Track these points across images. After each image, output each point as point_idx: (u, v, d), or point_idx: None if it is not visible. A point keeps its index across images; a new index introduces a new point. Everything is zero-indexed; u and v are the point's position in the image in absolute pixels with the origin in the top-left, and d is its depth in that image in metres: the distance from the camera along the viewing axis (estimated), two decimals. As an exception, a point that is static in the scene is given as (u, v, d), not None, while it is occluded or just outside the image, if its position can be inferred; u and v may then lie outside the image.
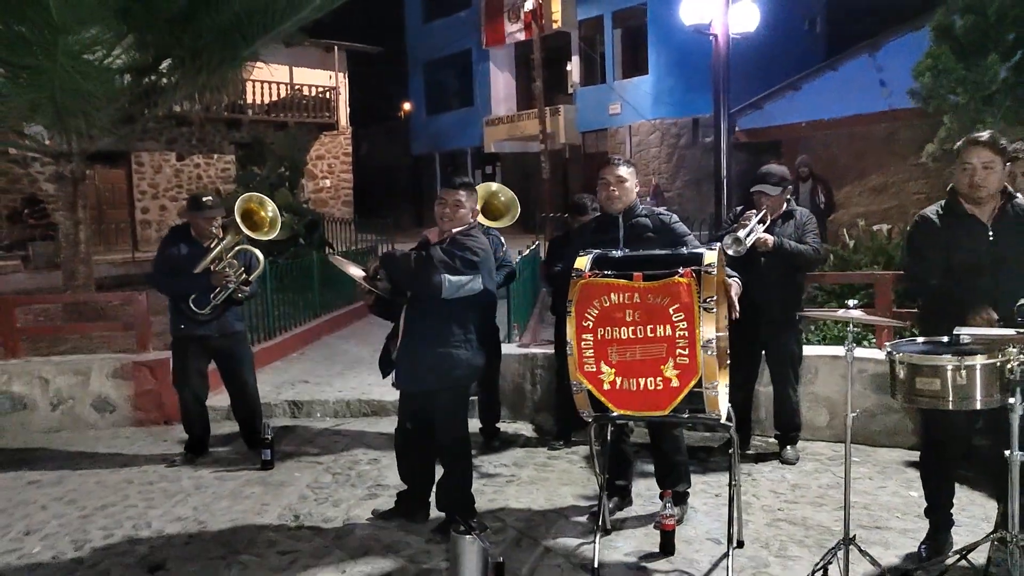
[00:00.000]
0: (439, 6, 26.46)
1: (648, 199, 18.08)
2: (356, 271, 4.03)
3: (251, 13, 9.36)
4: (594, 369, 3.32)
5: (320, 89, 23.09)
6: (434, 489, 4.16)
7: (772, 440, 5.19)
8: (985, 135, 3.41)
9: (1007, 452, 2.91)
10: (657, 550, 3.70)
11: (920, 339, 3.33)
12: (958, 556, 3.16)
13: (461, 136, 26.42)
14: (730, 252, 4.28)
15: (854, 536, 3.18)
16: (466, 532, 3.06)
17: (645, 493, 4.36)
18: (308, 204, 17.67)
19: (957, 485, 3.67)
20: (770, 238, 4.62)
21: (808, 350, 5.30)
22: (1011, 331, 2.78)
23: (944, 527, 3.59)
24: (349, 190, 23.87)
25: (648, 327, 3.25)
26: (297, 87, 22.42)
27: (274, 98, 21.81)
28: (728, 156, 9.55)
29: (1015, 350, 2.81)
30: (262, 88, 21.14)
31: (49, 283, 13.18)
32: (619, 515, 4.17)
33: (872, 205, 15.11)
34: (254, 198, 5.31)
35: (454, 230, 3.90)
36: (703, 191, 20.02)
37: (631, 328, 3.27)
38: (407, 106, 30.19)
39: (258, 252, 5.29)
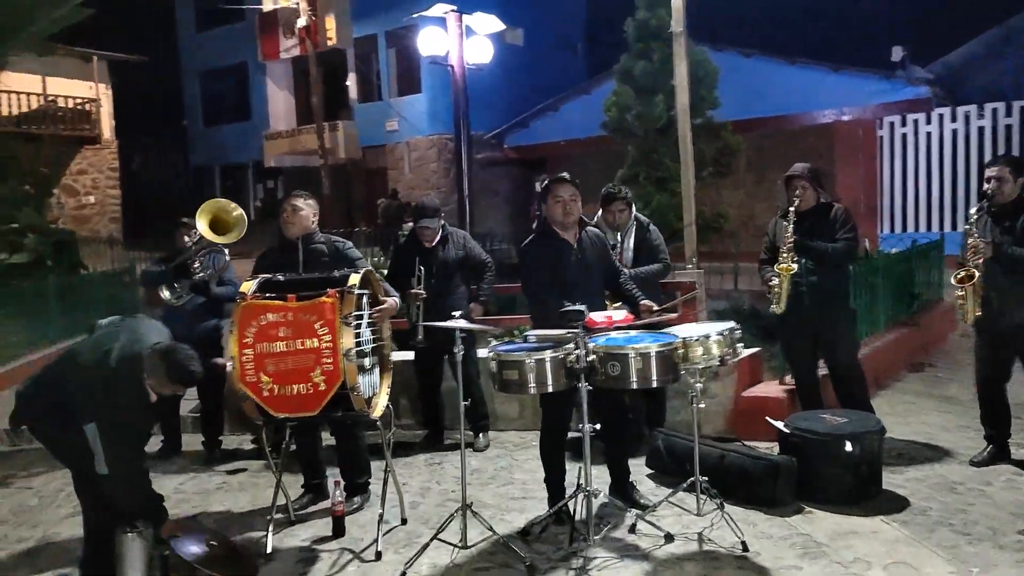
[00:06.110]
0: (212, 17, 25.73)
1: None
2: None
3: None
4: (255, 380, 3.83)
5: (78, 100, 21.74)
6: None
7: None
8: (567, 175, 4.22)
9: (580, 425, 3.74)
10: (331, 534, 4.25)
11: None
12: (555, 510, 3.98)
13: (241, 149, 25.90)
14: None
15: (471, 503, 3.91)
16: (130, 530, 3.42)
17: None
18: (60, 223, 16.64)
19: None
20: None
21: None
22: (564, 331, 3.60)
23: (558, 494, 4.30)
24: (117, 206, 22.61)
25: (298, 341, 3.82)
26: (51, 98, 20.97)
27: (23, 109, 20.26)
28: (470, 174, 10.48)
29: (572, 346, 3.64)
30: (9, 99, 19.60)
31: None
32: (312, 508, 4.69)
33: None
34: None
35: None
36: (480, 205, 21.07)
37: (284, 343, 3.83)
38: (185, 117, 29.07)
39: None
